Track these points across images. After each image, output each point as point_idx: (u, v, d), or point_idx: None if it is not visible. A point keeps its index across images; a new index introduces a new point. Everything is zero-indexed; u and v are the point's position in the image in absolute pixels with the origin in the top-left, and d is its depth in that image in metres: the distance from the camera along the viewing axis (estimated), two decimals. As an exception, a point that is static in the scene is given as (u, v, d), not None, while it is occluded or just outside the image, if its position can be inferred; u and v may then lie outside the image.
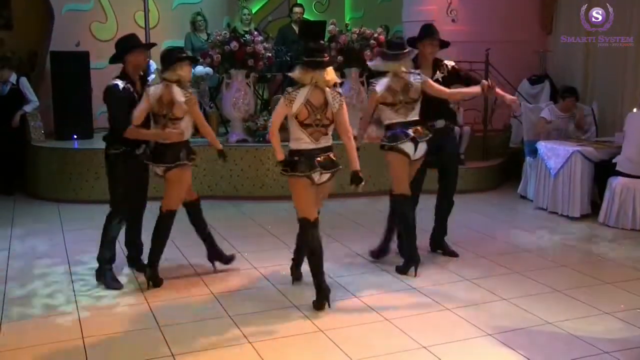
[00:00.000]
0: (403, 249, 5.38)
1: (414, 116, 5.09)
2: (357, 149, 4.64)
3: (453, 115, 5.83)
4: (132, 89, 4.87)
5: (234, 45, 7.67)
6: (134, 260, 5.31)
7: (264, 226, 6.57)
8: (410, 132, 5.01)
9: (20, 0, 9.60)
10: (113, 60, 5.01)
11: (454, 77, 5.40)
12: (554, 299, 4.67)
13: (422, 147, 5.09)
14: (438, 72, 5.35)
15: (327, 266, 5.30)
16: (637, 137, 6.54)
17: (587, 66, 8.55)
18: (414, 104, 5.07)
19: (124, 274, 5.18)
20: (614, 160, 6.67)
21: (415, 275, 5.11)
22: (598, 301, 4.59)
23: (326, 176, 4.53)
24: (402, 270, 5.18)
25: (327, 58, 4.53)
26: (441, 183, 5.61)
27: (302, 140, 4.45)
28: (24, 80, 8.16)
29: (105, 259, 4.96)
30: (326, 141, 4.53)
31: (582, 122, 7.69)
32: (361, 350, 3.87)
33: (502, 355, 3.83)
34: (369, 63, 5.58)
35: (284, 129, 4.72)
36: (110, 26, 9.47)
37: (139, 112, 4.76)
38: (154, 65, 8.50)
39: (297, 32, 9.10)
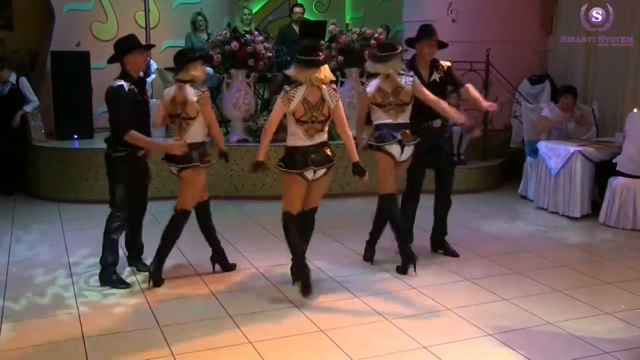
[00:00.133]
0: (401, 248, 5.39)
1: (404, 119, 5.10)
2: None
3: None
4: (136, 90, 4.87)
5: (235, 45, 7.68)
6: (134, 260, 5.31)
7: (264, 226, 6.57)
8: (398, 135, 5.02)
9: (21, 0, 9.60)
10: (111, 60, 5.00)
11: (448, 78, 5.41)
12: (555, 299, 4.67)
13: (409, 150, 5.11)
14: (435, 72, 5.35)
15: (328, 266, 5.34)
16: (638, 137, 6.54)
17: (587, 66, 8.55)
18: (405, 106, 5.08)
19: (125, 274, 5.16)
20: (614, 160, 6.67)
21: (416, 273, 5.11)
22: (598, 301, 4.59)
23: (321, 172, 4.62)
24: (401, 270, 5.18)
25: (322, 56, 4.58)
26: (437, 182, 5.61)
27: (297, 136, 4.57)
28: (23, 80, 8.15)
29: (108, 262, 4.95)
30: (321, 137, 4.62)
31: (583, 119, 7.68)
32: (361, 350, 3.87)
33: (503, 356, 3.83)
34: (365, 65, 5.60)
35: (283, 129, 4.74)
36: (110, 26, 9.46)
37: (158, 118, 4.98)
38: (154, 65, 8.52)
39: (297, 32, 9.10)
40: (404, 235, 5.21)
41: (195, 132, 4.85)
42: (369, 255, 5.45)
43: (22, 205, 7.60)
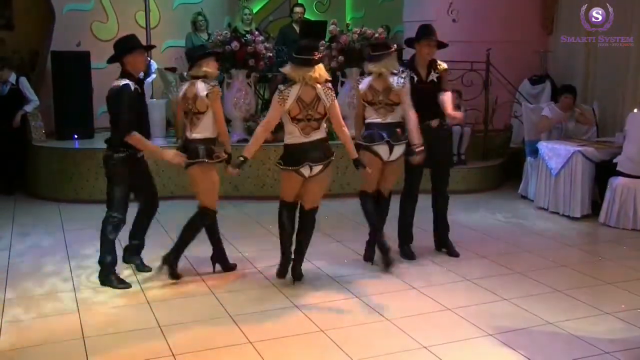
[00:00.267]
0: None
1: (394, 118, 5.10)
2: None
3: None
4: (139, 91, 4.87)
5: (235, 45, 7.68)
6: (129, 252, 5.28)
7: (264, 226, 6.56)
8: (386, 134, 5.02)
9: (21, 0, 9.61)
10: (111, 60, 4.99)
11: (439, 79, 5.38)
12: (555, 299, 4.67)
13: (398, 150, 5.10)
14: (433, 72, 5.35)
15: (328, 266, 5.34)
16: (638, 137, 6.54)
17: (587, 66, 8.55)
18: (394, 106, 5.08)
19: (125, 274, 5.16)
20: (614, 161, 6.67)
21: (392, 264, 5.10)
22: (599, 301, 4.59)
23: (317, 168, 4.66)
24: (385, 268, 5.14)
25: (317, 56, 4.61)
26: (433, 180, 5.62)
27: (294, 134, 4.63)
28: (23, 80, 8.16)
29: (107, 262, 4.94)
30: (317, 134, 4.65)
31: (583, 117, 7.68)
32: (361, 350, 3.87)
33: (503, 356, 3.83)
34: (364, 64, 5.60)
35: (283, 129, 4.74)
36: (111, 26, 9.46)
37: (178, 112, 5.06)
38: (154, 65, 8.52)
39: (298, 32, 9.11)
40: (373, 231, 5.24)
41: (205, 127, 4.86)
42: (369, 255, 5.45)
43: (22, 205, 7.61)
